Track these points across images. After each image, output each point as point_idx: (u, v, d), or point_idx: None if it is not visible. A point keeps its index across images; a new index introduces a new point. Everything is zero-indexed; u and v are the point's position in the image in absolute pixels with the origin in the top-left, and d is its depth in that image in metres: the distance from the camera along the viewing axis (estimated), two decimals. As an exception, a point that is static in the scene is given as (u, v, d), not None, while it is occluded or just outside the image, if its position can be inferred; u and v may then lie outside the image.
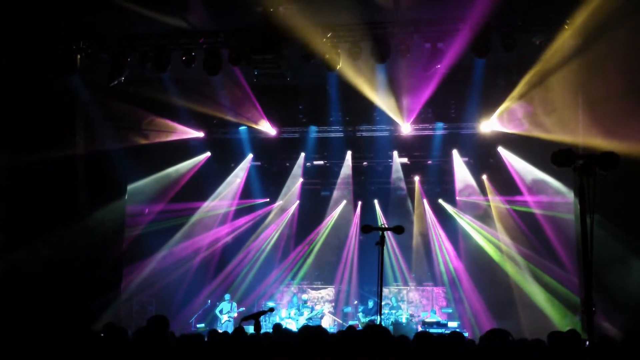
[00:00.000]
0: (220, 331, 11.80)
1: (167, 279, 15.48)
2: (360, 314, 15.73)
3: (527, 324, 14.19)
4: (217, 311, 15.29)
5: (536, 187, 14.22)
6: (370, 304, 15.87)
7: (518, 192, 14.88)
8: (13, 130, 11.42)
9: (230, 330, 13.46)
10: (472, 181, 16.26)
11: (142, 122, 14.16)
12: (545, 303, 14.05)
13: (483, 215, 16.45)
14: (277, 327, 11.29)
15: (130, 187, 14.50)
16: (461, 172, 16.22)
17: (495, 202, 16.12)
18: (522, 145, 14.10)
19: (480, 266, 16.17)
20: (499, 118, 13.31)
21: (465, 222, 16.82)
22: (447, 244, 17.13)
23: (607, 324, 9.84)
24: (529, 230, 14.93)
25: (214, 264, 16.99)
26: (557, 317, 13.45)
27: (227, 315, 15.10)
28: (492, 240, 16.11)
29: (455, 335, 5.76)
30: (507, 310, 15.07)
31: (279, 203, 17.90)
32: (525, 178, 14.45)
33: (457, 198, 16.79)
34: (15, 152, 11.53)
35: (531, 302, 14.58)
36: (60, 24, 10.99)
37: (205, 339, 5.78)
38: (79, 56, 11.40)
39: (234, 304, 15.40)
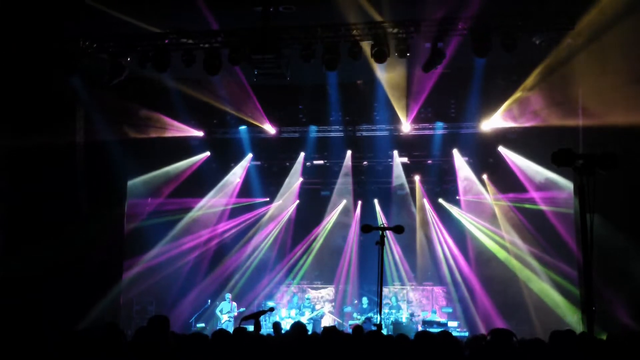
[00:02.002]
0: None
1: (165, 277, 15.47)
2: (354, 313, 15.78)
3: (539, 322, 14.09)
4: (217, 311, 15.29)
5: (540, 184, 14.15)
6: (365, 302, 15.89)
7: (521, 189, 14.82)
8: (13, 130, 11.41)
9: (230, 330, 13.47)
10: (475, 180, 16.25)
11: (142, 120, 14.15)
12: (555, 300, 13.92)
13: (486, 214, 16.41)
14: (277, 325, 11.33)
15: (129, 182, 14.53)
16: (463, 172, 16.21)
17: (498, 201, 16.10)
18: (523, 143, 14.11)
19: (487, 265, 16.05)
20: (506, 112, 13.19)
21: (469, 222, 16.77)
22: (450, 243, 17.11)
23: (630, 320, 9.76)
24: (535, 227, 14.78)
25: (212, 262, 16.98)
26: (569, 315, 13.31)
27: (227, 315, 15.10)
28: (497, 238, 16.04)
29: (445, 334, 5.73)
30: (517, 308, 14.96)
31: (278, 202, 17.90)
32: (529, 175, 14.39)
33: (460, 197, 16.75)
34: (14, 151, 11.53)
35: (541, 300, 14.44)
36: (60, 24, 11.00)
37: (208, 339, 5.79)
38: (79, 56, 11.42)
39: (235, 304, 15.40)
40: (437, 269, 17.33)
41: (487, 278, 15.98)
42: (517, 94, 12.34)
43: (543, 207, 14.18)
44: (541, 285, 14.54)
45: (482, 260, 16.27)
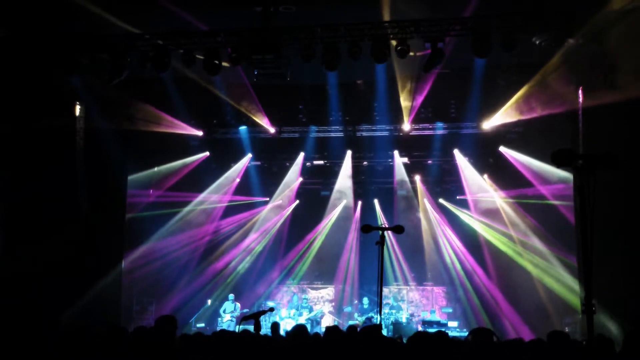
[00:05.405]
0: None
1: (161, 276, 15.48)
2: (355, 314, 15.78)
3: (557, 319, 13.98)
4: (221, 310, 15.40)
5: (550, 180, 14.02)
6: (365, 302, 15.89)
7: (523, 187, 14.72)
8: (13, 129, 11.41)
9: (231, 330, 13.55)
10: (479, 179, 16.21)
11: (141, 117, 14.14)
12: (568, 295, 13.77)
13: (493, 212, 16.34)
14: (275, 326, 11.36)
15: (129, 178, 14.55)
16: (467, 171, 16.17)
17: (502, 199, 16.06)
18: (524, 143, 14.08)
19: (498, 264, 15.98)
20: (517, 105, 13.03)
21: (475, 221, 16.73)
22: (456, 242, 17.09)
23: None
24: (545, 223, 14.60)
25: (211, 262, 17.00)
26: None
27: (229, 315, 15.19)
28: (505, 236, 15.94)
29: (441, 334, 5.73)
30: (531, 305, 14.83)
31: (278, 202, 17.91)
32: (537, 171, 14.24)
33: (467, 197, 16.69)
34: (14, 150, 11.54)
35: (556, 295, 14.20)
36: (60, 24, 10.99)
37: (211, 339, 5.80)
38: (79, 56, 11.42)
39: (237, 305, 15.46)
40: (443, 267, 17.30)
41: (503, 277, 15.87)
42: (535, 80, 12.12)
43: (554, 202, 14.00)
44: (555, 280, 14.34)
45: (492, 259, 16.19)
